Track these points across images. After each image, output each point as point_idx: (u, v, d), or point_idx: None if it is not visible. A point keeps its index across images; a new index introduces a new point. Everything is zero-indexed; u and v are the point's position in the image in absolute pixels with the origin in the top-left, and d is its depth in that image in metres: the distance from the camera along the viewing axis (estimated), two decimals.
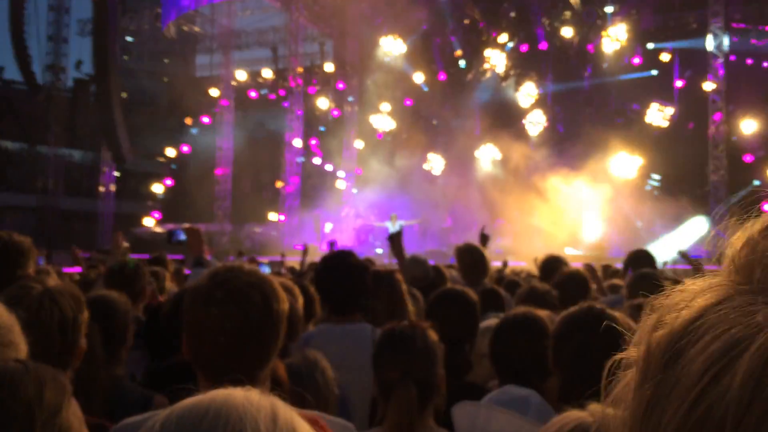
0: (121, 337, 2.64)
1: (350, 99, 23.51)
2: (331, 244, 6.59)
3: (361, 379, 2.53)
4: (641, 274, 4.13)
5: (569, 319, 2.11)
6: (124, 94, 25.04)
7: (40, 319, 1.80)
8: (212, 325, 1.52)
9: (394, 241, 5.62)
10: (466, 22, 21.08)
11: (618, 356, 0.57)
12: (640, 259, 5.01)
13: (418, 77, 21.31)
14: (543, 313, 2.54)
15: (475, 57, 20.87)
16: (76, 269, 10.98)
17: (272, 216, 23.03)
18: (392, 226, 18.40)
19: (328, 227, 21.55)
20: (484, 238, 5.59)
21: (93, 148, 28.75)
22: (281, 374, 1.84)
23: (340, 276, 3.18)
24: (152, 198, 25.70)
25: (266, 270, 7.07)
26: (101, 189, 25.69)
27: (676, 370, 0.48)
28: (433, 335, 2.21)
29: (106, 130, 22.69)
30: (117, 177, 26.37)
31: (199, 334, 1.54)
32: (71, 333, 1.87)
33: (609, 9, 19.08)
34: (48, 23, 24.45)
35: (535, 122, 20.30)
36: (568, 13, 19.63)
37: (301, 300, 3.23)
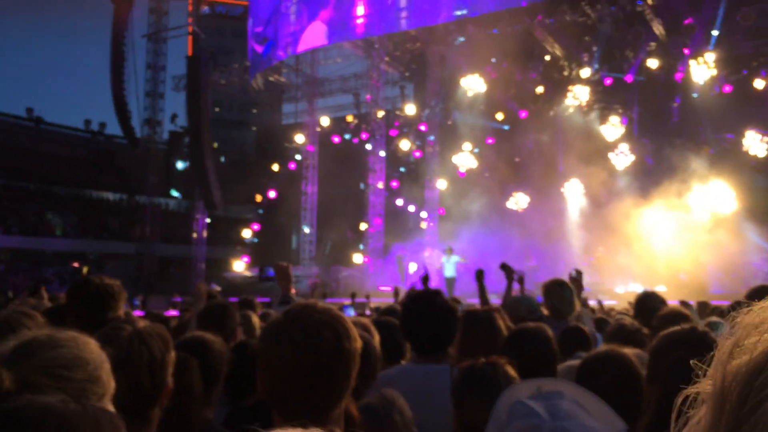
0: (216, 377, 2.66)
1: (431, 139, 23.65)
2: (425, 278, 6.45)
3: (441, 421, 2.48)
4: None
5: (670, 336, 2.06)
6: (215, 144, 26.19)
7: (130, 359, 1.84)
8: (283, 361, 1.53)
9: (480, 279, 5.54)
10: (547, 58, 20.92)
11: (689, 390, 0.48)
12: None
13: (500, 115, 21.22)
14: (631, 351, 2.43)
15: (557, 92, 20.62)
16: (174, 313, 11.44)
17: (357, 258, 23.27)
18: (447, 260, 17.97)
19: (412, 268, 21.53)
20: (577, 283, 5.38)
21: (187, 196, 30.11)
22: (354, 414, 1.82)
23: (425, 316, 3.13)
24: (242, 243, 26.50)
25: (350, 312, 7.11)
26: (194, 235, 26.71)
27: (758, 418, 0.39)
28: (512, 372, 2.14)
29: (198, 179, 23.73)
30: (209, 223, 27.38)
31: (271, 370, 1.56)
32: (159, 373, 1.91)
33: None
34: (145, 80, 26.02)
35: (622, 156, 19.73)
36: (653, 44, 19.15)
37: (377, 337, 3.19)
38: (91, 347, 1.43)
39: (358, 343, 1.61)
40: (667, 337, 2.07)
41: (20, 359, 1.31)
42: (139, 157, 26.79)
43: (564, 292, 4.75)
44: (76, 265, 29.59)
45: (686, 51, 18.40)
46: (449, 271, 17.98)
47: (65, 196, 35.93)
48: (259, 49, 22.81)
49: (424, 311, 3.14)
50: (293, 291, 4.36)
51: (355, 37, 21.60)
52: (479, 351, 2.98)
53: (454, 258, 17.90)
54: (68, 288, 3.28)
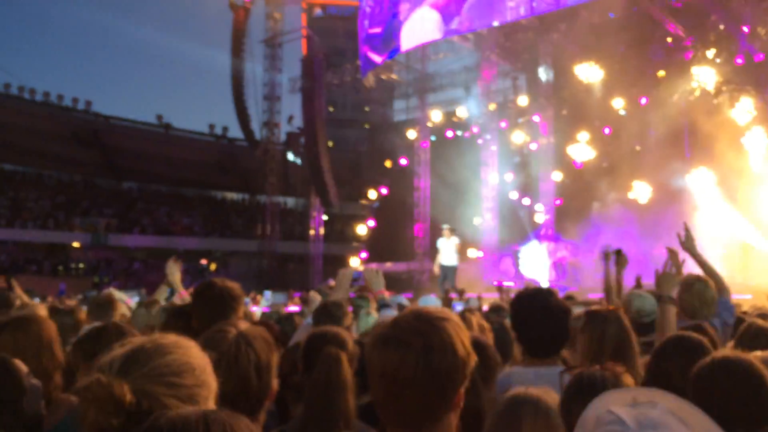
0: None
1: (545, 130, 23.05)
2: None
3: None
4: None
5: None
6: (330, 143, 26.83)
7: (237, 362, 1.87)
8: (381, 369, 1.49)
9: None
10: (669, 40, 19.80)
11: None
12: None
13: (618, 102, 20.33)
14: (761, 355, 2.24)
15: (680, 76, 19.47)
16: (294, 308, 11.85)
17: (471, 252, 23.09)
18: (446, 243, 15.12)
19: (528, 262, 21.11)
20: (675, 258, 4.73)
21: (304, 195, 31.05)
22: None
23: (536, 317, 3.04)
24: (357, 239, 27.00)
25: (459, 307, 7.08)
26: (311, 232, 27.47)
27: None
28: (629, 380, 2.01)
29: (315, 178, 24.42)
30: (325, 221, 28.07)
31: (373, 377, 1.52)
32: (265, 375, 1.92)
33: None
34: (263, 84, 27.05)
35: (757, 140, 18.34)
36: None
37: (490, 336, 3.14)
38: (195, 351, 1.44)
39: (458, 356, 1.49)
40: None
41: (132, 369, 1.32)
42: (259, 159, 27.90)
43: (707, 291, 4.39)
44: (204, 262, 31.29)
45: None
46: (448, 258, 15.01)
47: (193, 197, 38.07)
48: (379, 59, 22.45)
49: (536, 311, 3.04)
50: (386, 294, 4.28)
51: (464, 30, 21.31)
52: (607, 352, 2.79)
53: (455, 240, 15.05)
54: (194, 290, 3.45)
